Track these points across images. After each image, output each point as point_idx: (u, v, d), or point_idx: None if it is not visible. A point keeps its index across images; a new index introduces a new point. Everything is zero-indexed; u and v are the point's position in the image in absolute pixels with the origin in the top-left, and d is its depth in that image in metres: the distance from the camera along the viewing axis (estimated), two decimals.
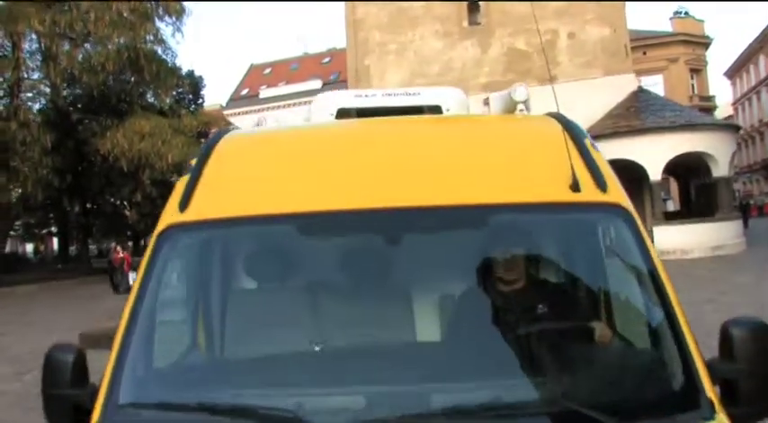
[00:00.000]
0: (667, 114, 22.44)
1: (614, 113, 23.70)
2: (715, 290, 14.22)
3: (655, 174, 21.93)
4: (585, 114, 24.35)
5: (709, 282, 15.77)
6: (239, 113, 66.22)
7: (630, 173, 22.53)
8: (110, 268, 23.63)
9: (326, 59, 63.62)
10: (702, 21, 52.43)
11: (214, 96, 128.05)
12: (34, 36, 24.92)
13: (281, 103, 64.05)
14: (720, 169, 22.25)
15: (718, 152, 22.15)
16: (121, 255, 23.00)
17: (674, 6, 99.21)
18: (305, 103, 62.71)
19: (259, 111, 64.67)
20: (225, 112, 67.19)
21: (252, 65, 72.77)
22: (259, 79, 69.53)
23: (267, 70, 70.76)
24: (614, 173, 2.58)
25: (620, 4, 25.49)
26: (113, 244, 24.60)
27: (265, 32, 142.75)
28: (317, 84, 62.95)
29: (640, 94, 24.47)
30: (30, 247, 55.71)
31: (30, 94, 23.74)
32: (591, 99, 24.56)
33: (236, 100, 68.41)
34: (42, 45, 25.38)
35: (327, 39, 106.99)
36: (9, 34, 24.01)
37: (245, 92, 68.77)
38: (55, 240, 47.59)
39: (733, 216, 22.50)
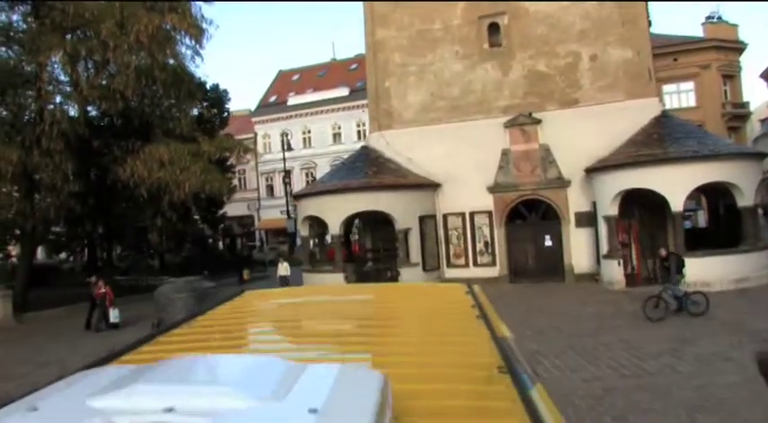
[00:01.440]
0: (690, 143, 21.89)
1: (636, 140, 23.23)
2: (733, 340, 13.81)
3: (676, 205, 21.42)
4: (607, 139, 24.01)
5: (727, 328, 15.32)
6: (267, 120, 66.60)
7: (653, 200, 22.16)
8: (90, 304, 22.88)
9: (354, 66, 63.48)
10: (736, 25, 51.01)
11: (243, 101, 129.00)
12: (55, 64, 25.19)
13: (309, 111, 64.22)
14: (746, 199, 21.68)
15: (744, 182, 21.59)
16: (103, 290, 22.38)
17: (707, 10, 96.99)
18: (332, 111, 62.96)
19: (287, 118, 65.04)
20: (253, 120, 67.62)
21: (280, 71, 73.11)
22: (287, 86, 69.77)
23: (295, 77, 70.99)
24: None
25: (643, 25, 24.95)
26: (93, 278, 23.60)
27: (295, 36, 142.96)
28: (344, 91, 63.09)
29: (664, 119, 23.92)
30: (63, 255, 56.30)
31: (51, 121, 23.88)
32: (613, 123, 24.17)
33: (264, 107, 68.67)
34: (63, 73, 25.69)
35: (356, 44, 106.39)
36: (36, 64, 24.28)
37: (273, 99, 69.02)
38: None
39: (758, 246, 21.87)
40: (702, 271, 20.82)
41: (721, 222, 26.55)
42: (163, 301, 12.55)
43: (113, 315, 22.08)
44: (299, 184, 61.66)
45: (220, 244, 51.05)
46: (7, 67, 25.16)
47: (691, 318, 16.65)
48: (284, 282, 27.35)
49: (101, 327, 21.89)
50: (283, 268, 28.00)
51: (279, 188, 62.55)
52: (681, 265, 17.62)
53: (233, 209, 55.09)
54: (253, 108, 70.01)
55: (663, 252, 18.39)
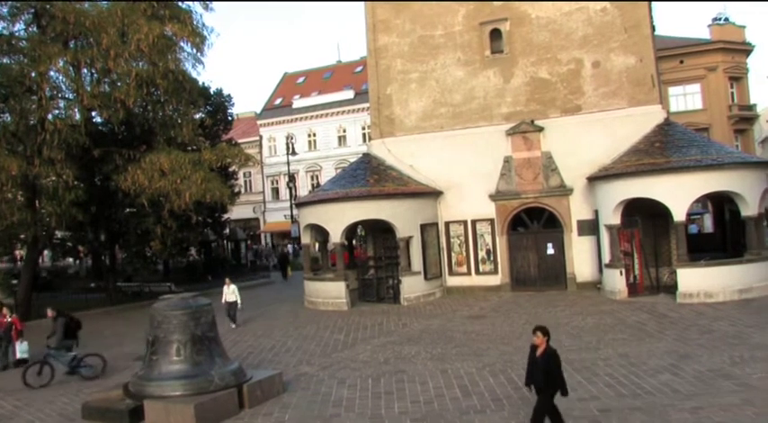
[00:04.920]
0: (693, 151, 21.61)
1: (638, 148, 23.02)
2: (734, 355, 13.63)
3: (679, 214, 21.15)
4: (610, 147, 23.84)
5: (728, 342, 15.12)
6: (272, 123, 66.62)
7: (656, 208, 21.93)
8: None
9: (359, 68, 63.47)
10: (743, 27, 50.65)
11: (248, 104, 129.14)
12: (57, 72, 25.16)
13: (314, 114, 64.18)
14: (750, 208, 21.39)
15: (748, 191, 21.30)
16: (8, 319, 18.79)
17: (714, 11, 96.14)
18: (337, 113, 62.89)
19: (292, 121, 65.04)
20: (258, 122, 67.64)
21: (285, 73, 73.14)
22: (292, 88, 69.82)
23: (300, 79, 71.05)
24: None
25: (646, 31, 24.72)
26: None
27: (301, 38, 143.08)
28: (349, 94, 63.04)
29: (667, 126, 23.68)
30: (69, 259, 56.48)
31: (52, 130, 23.85)
32: (615, 131, 24.03)
33: (269, 109, 68.71)
34: (65, 82, 25.68)
35: (362, 46, 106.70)
36: (38, 73, 24.25)
37: (278, 101, 69.05)
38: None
39: (763, 256, 21.57)
40: (705, 281, 20.69)
41: (727, 228, 26.36)
42: (158, 319, 12.45)
43: (20, 350, 18.48)
44: (304, 187, 61.73)
45: (226, 248, 51.00)
46: (10, 75, 25.16)
47: (694, 330, 16.46)
48: (232, 309, 22.80)
49: (6, 363, 18.65)
50: (230, 292, 23.02)
51: (284, 191, 62.54)
52: (75, 327, 16.17)
53: (238, 212, 55.12)
54: (258, 111, 70.08)
55: (50, 313, 16.65)
